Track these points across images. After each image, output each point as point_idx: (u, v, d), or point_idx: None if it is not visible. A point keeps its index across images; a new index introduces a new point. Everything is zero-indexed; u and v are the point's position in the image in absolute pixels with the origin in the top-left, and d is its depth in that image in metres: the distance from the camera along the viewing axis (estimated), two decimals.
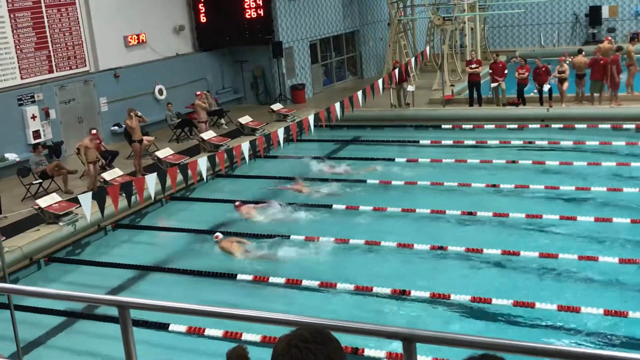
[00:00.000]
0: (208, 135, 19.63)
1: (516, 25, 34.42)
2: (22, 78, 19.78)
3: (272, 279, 11.86)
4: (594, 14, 32.57)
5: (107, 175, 16.17)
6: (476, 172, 16.94)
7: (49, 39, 20.51)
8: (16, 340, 9.23)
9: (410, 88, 22.97)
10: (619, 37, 32.32)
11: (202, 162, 14.78)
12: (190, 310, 2.87)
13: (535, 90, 21.56)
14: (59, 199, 14.73)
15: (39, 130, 19.56)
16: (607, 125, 19.40)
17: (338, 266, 12.45)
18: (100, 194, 12.34)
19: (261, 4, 25.17)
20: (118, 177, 16.03)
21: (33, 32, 20.13)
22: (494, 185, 15.72)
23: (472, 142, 19.46)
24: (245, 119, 21.33)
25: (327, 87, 28.76)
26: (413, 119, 22.09)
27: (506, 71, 22.07)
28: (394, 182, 16.57)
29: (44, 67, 20.40)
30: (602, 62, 20.54)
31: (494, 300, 10.36)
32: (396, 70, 21.71)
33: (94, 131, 17.72)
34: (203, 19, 25.62)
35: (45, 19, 20.43)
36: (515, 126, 20.36)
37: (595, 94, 20.96)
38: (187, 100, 22.75)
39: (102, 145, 18.98)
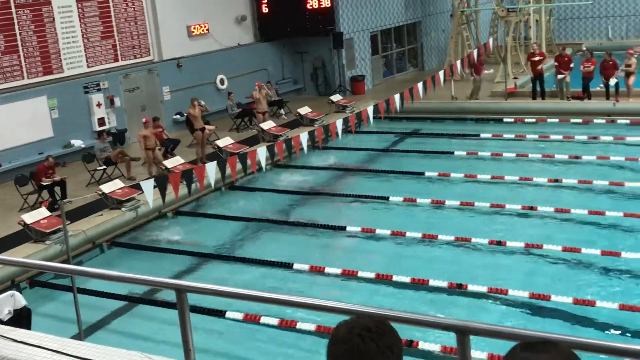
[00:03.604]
0: (267, 125, 19.78)
1: (583, 17, 33.52)
2: (88, 66, 20.30)
3: (327, 269, 11.89)
4: None
5: (169, 163, 16.47)
6: (538, 167, 16.64)
7: (114, 29, 20.98)
8: (78, 322, 9.51)
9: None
10: None
11: (262, 152, 14.92)
12: (246, 295, 2.91)
13: (602, 84, 21.00)
14: (122, 185, 15.09)
15: (103, 117, 20.07)
16: None
17: (393, 258, 12.41)
18: (161, 181, 12.58)
19: None
20: (179, 164, 16.32)
21: (99, 21, 20.62)
22: (556, 180, 15.40)
23: (535, 137, 19.09)
24: (304, 110, 21.41)
25: (387, 78, 28.62)
26: (474, 112, 21.80)
27: (572, 64, 21.55)
28: (452, 175, 16.40)
29: (110, 56, 20.88)
30: None
31: (553, 297, 10.17)
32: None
33: (144, 119, 18.11)
34: (265, 9, 25.80)
35: (112, 9, 20.89)
36: (580, 121, 19.88)
37: None
38: (248, 90, 22.96)
39: (164, 133, 19.34)
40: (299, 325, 9.82)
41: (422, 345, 8.97)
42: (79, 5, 20.03)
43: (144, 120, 18.10)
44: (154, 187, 12.27)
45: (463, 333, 2.46)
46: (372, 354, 1.92)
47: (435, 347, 8.98)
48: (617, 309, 9.80)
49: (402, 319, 2.45)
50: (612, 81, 20.37)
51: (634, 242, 12.13)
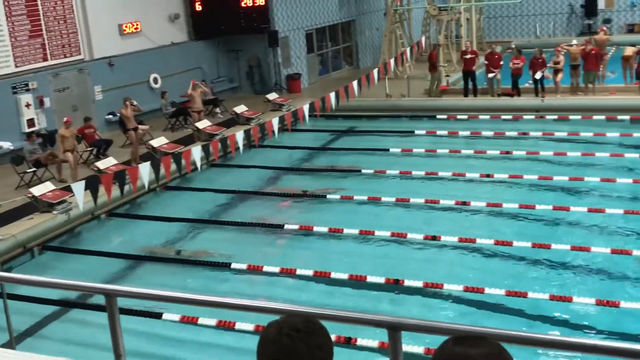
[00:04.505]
0: (203, 124, 19.60)
1: (512, 15, 34.36)
2: (16, 66, 19.70)
3: (266, 268, 11.88)
4: (590, 4, 32.54)
5: (101, 164, 16.14)
6: (470, 163, 16.96)
7: (43, 27, 20.42)
8: (9, 329, 9.22)
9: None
10: (614, 28, 32.32)
11: (197, 151, 14.78)
12: (177, 298, 2.88)
13: (530, 81, 21.56)
14: (53, 187, 14.70)
15: (33, 118, 19.50)
16: (602, 117, 19.41)
17: (331, 255, 12.47)
18: (93, 183, 12.33)
19: None
20: (112, 165, 16.01)
21: (27, 20, 20.03)
22: (487, 176, 15.74)
23: (467, 133, 19.47)
24: (240, 108, 21.30)
25: (322, 76, 28.72)
26: (408, 109, 22.07)
27: (502, 62, 22.06)
28: (388, 172, 16.58)
29: (38, 55, 20.32)
30: (593, 52, 20.63)
31: (486, 290, 10.39)
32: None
33: (65, 118, 17.59)
34: (198, 7, 25.54)
35: (40, 7, 20.32)
36: (510, 117, 20.36)
37: (589, 85, 21.04)
38: (183, 89, 22.70)
39: (96, 133, 18.98)
40: (238, 326, 9.77)
41: (360, 342, 9.04)
42: (6, 3, 19.41)
43: (65, 119, 17.55)
44: (85, 189, 12.01)
45: (394, 329, 2.49)
46: (301, 353, 1.93)
47: (374, 344, 9.06)
48: (548, 300, 10.09)
49: (332, 317, 2.47)
50: (538, 74, 20.93)
51: (562, 234, 12.51)
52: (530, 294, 10.20)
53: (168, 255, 13.04)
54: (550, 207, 13.49)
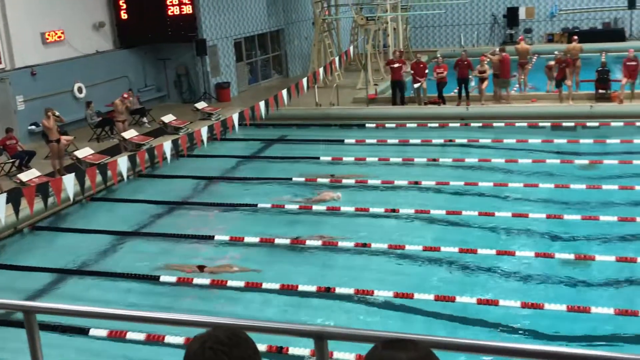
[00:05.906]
0: (129, 134, 19.25)
1: (437, 25, 35.09)
2: None
3: (195, 280, 11.74)
4: (512, 15, 33.52)
5: (24, 176, 15.66)
6: (399, 170, 17.19)
7: None
8: None
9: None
10: (535, 37, 33.41)
11: (123, 162, 14.52)
12: (98, 314, 2.81)
13: (456, 90, 22.01)
14: None
15: None
16: (524, 124, 20.00)
17: (262, 265, 12.41)
18: (15, 196, 11.95)
19: (184, 1, 24.84)
20: (35, 177, 15.55)
21: None
22: (415, 183, 15.98)
23: (395, 141, 19.73)
24: (168, 118, 21.03)
25: (252, 85, 28.65)
26: (338, 118, 22.24)
27: (427, 71, 22.48)
28: (319, 180, 16.64)
29: None
30: (501, 61, 21.33)
31: (416, 295, 10.54)
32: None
33: None
34: (124, 15, 25.10)
35: None
36: (437, 125, 20.75)
37: (502, 92, 21.68)
38: (108, 98, 22.25)
39: (18, 145, 18.40)
40: (167, 339, 9.62)
41: (292, 351, 9.03)
42: None
43: None
44: (7, 202, 11.63)
45: (320, 338, 2.49)
46: None
47: (305, 352, 9.07)
48: (475, 304, 10.30)
49: (258, 328, 2.46)
50: (471, 83, 21.49)
51: (488, 238, 12.79)
52: (458, 298, 10.40)
53: (94, 268, 12.72)
54: (476, 212, 13.79)
